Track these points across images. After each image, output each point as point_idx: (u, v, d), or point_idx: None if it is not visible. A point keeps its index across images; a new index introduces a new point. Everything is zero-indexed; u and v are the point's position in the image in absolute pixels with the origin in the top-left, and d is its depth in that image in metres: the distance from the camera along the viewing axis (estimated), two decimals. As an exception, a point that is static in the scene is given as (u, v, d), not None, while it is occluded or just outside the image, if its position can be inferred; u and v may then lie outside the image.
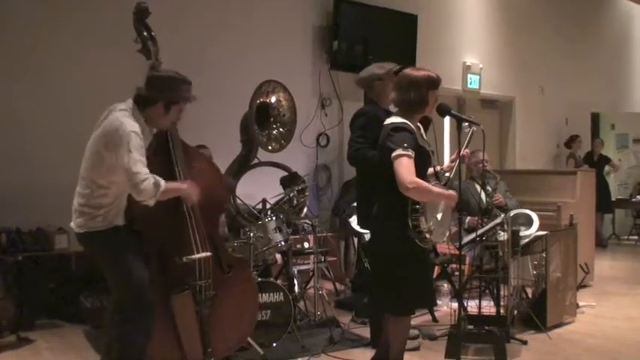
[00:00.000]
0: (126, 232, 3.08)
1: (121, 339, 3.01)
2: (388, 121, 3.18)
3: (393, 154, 2.98)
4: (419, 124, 3.27)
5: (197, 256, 3.27)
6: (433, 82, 3.16)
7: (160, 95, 2.99)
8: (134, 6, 3.42)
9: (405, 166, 2.95)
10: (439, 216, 3.15)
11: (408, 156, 2.97)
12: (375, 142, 3.36)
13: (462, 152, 3.39)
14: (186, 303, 3.25)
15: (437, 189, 3.05)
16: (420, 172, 3.03)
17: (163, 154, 3.30)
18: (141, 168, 2.86)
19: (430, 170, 3.25)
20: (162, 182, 2.95)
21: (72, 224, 3.03)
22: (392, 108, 3.43)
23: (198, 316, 3.28)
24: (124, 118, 2.89)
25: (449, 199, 3.12)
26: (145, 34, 3.41)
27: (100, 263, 3.09)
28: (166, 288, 3.23)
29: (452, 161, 3.42)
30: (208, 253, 3.32)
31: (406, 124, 3.10)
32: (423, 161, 3.12)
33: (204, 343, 3.31)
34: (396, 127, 3.09)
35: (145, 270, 3.06)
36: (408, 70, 3.24)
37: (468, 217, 4.94)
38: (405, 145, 2.99)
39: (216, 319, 3.35)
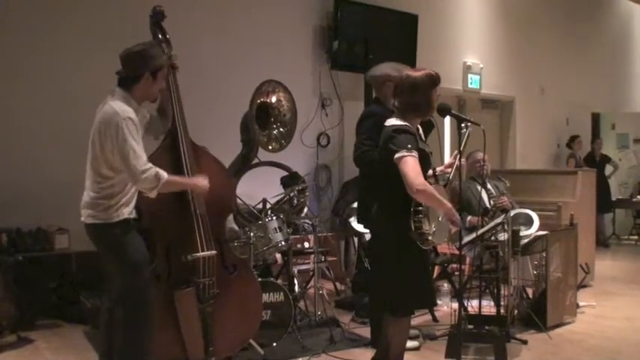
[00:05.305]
0: (135, 228, 3.09)
1: (127, 338, 3.01)
2: (388, 123, 3.15)
3: (397, 155, 2.97)
4: (419, 125, 3.27)
5: (201, 254, 3.28)
6: (433, 81, 3.14)
7: (145, 67, 3.01)
8: (151, 9, 3.44)
9: (412, 167, 2.95)
10: (440, 217, 3.14)
11: (413, 157, 2.97)
12: None
13: (459, 158, 3.36)
14: (190, 300, 3.26)
15: (441, 198, 3.03)
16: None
17: (172, 151, 3.32)
18: (140, 157, 2.88)
19: (429, 172, 3.24)
20: (165, 174, 2.96)
21: (82, 218, 3.03)
22: None
23: (201, 314, 3.29)
24: (118, 107, 2.91)
25: (447, 214, 3.09)
26: (161, 36, 3.45)
27: (107, 256, 3.10)
28: (170, 285, 3.25)
29: (448, 166, 3.41)
30: (213, 252, 3.33)
31: (407, 126, 3.10)
32: (424, 163, 3.11)
33: (207, 341, 3.31)
34: (398, 129, 3.07)
35: (148, 269, 3.08)
36: (407, 73, 3.21)
37: (469, 217, 4.94)
38: (409, 146, 2.98)
39: (219, 318, 3.36)
